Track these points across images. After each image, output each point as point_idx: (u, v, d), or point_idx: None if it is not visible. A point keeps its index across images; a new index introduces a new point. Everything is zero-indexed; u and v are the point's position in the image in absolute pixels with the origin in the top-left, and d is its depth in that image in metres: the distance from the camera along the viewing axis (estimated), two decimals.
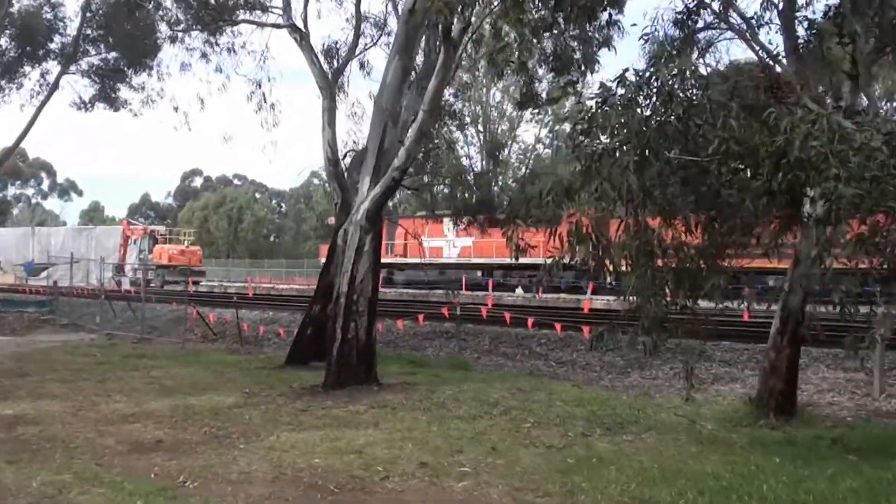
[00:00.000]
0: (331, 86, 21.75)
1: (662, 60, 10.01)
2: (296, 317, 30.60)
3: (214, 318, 29.87)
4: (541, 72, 24.30)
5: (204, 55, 24.54)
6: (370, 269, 16.31)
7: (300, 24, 22.01)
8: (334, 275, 20.36)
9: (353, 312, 16.16)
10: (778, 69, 11.32)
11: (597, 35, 23.09)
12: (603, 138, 8.88)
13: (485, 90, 53.84)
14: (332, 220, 68.73)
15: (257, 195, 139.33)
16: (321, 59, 22.21)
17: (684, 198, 9.44)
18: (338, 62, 22.32)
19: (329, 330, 16.54)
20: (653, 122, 8.47)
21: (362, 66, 23.53)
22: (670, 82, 8.81)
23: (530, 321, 22.28)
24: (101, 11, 33.68)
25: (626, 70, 8.97)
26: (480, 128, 49.60)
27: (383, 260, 59.36)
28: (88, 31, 34.33)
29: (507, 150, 47.79)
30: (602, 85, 9.82)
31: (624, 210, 9.52)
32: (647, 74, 8.92)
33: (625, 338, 12.59)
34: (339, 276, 20.28)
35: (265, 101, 23.52)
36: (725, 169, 8.75)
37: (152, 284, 43.92)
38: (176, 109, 24.64)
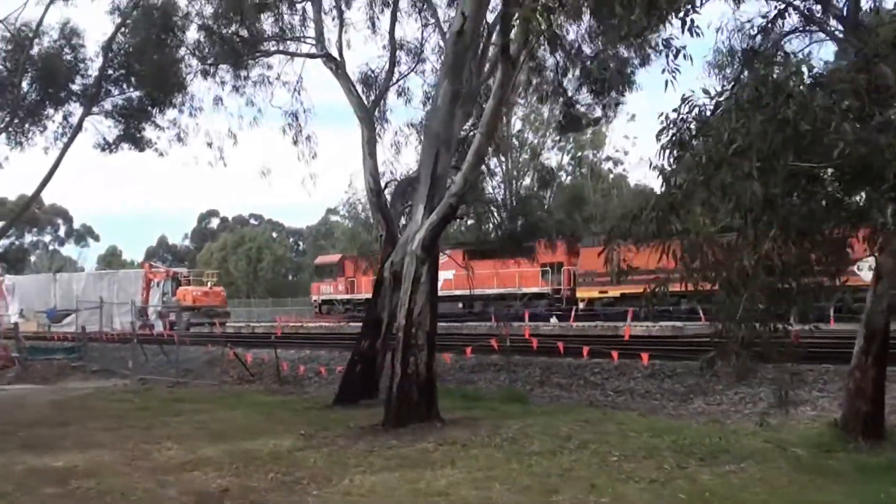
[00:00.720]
0: (370, 115, 21.16)
1: (762, 64, 9.31)
2: (333, 354, 29.96)
3: (251, 358, 29.12)
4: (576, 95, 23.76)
5: (235, 88, 24.00)
6: (427, 300, 15.63)
7: (335, 53, 21.49)
8: (382, 309, 19.83)
9: (412, 346, 15.47)
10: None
11: (634, 54, 22.67)
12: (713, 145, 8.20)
13: (505, 119, 53.49)
14: (322, 259, 68.01)
15: (274, 234, 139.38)
16: (358, 88, 21.63)
17: (802, 207, 8.74)
18: (376, 91, 21.77)
19: (387, 366, 15.92)
20: (772, 126, 7.78)
21: (400, 93, 22.98)
22: (788, 83, 8.16)
23: (586, 350, 21.55)
24: (122, 51, 33.26)
25: (741, 74, 8.34)
26: (502, 157, 49.21)
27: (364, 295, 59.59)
28: (110, 72, 33.91)
29: (529, 178, 47.52)
30: (683, 98, 9.22)
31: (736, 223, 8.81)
32: (763, 74, 8.30)
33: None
34: (386, 309, 19.78)
35: (301, 133, 22.92)
36: (847, 175, 8.11)
37: (176, 328, 43.07)
38: (210, 145, 24.15)
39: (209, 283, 66.77)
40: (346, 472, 11.68)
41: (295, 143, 23.02)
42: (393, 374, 15.68)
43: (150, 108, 33.23)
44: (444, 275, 48.53)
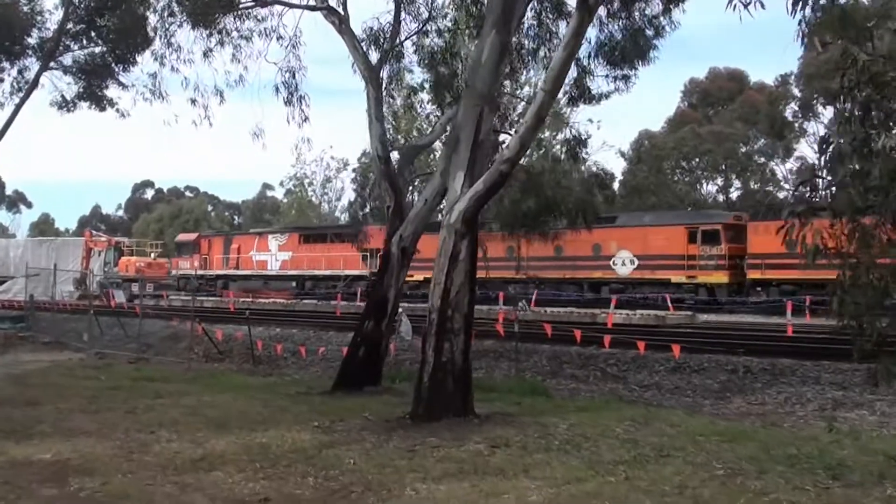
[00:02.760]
0: (376, 74, 19.18)
1: None
2: (308, 334, 28.18)
3: (221, 335, 27.11)
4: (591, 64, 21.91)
5: (220, 43, 21.71)
6: (466, 280, 13.78)
7: (338, 7, 19.45)
8: (388, 287, 18.01)
9: (448, 331, 13.63)
10: None
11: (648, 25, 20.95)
12: None
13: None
14: (182, 237, 67.28)
15: (210, 207, 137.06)
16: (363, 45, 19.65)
17: None
18: (383, 46, 19.74)
19: (419, 352, 14.03)
20: None
21: (416, 50, 20.95)
22: None
23: (607, 339, 19.86)
24: (83, 4, 30.95)
25: None
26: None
27: (221, 271, 59.96)
28: (71, 25, 31.61)
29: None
30: None
31: None
32: None
33: None
34: (393, 288, 17.98)
35: (296, 92, 20.76)
36: None
37: (120, 301, 40.69)
38: (194, 102, 21.72)
39: (152, 254, 64.43)
40: (400, 479, 9.86)
41: (289, 103, 20.80)
42: (424, 361, 13.81)
43: (113, 65, 31.01)
44: (283, 255, 61.54)
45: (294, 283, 59.14)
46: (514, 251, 46.78)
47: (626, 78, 22.21)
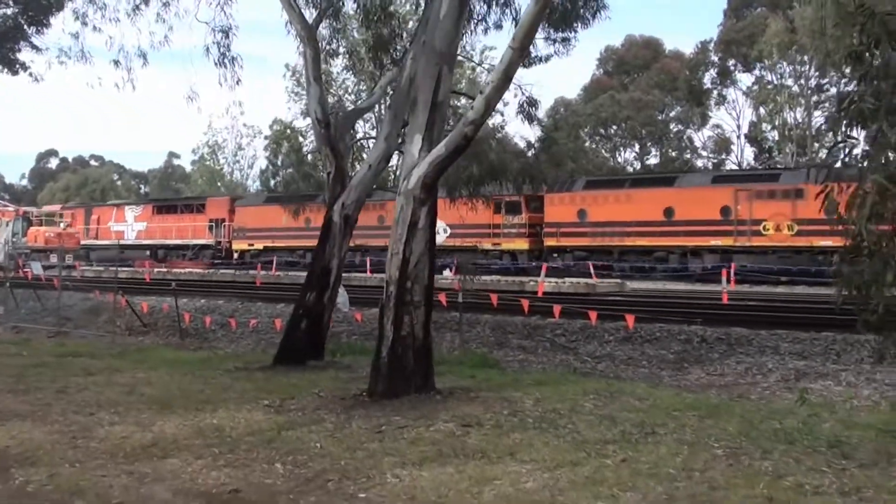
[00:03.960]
0: (313, 32, 18.22)
1: None
2: (235, 305, 27.16)
3: (147, 307, 25.98)
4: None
5: (145, 1, 20.50)
6: (426, 250, 13.01)
7: None
8: (331, 257, 17.19)
9: (408, 304, 12.86)
10: None
11: None
12: None
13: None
14: (46, 208, 68.09)
15: (116, 176, 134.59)
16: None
17: None
18: (320, 3, 18.78)
19: (378, 325, 13.25)
20: None
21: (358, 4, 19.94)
22: None
23: (557, 309, 19.23)
24: None
25: None
26: None
27: (83, 241, 60.87)
28: None
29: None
30: None
31: None
32: None
33: None
34: (336, 257, 17.21)
35: (229, 52, 19.67)
36: None
37: (37, 273, 39.16)
38: (117, 63, 20.48)
39: (62, 225, 62.37)
40: (377, 464, 9.13)
41: (221, 64, 19.70)
42: (382, 335, 13.03)
43: (26, 27, 29.39)
44: (139, 226, 65.16)
45: (148, 252, 62.16)
46: None
47: (566, 41, 21.60)
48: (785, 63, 60.95)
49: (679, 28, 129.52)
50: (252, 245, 57.84)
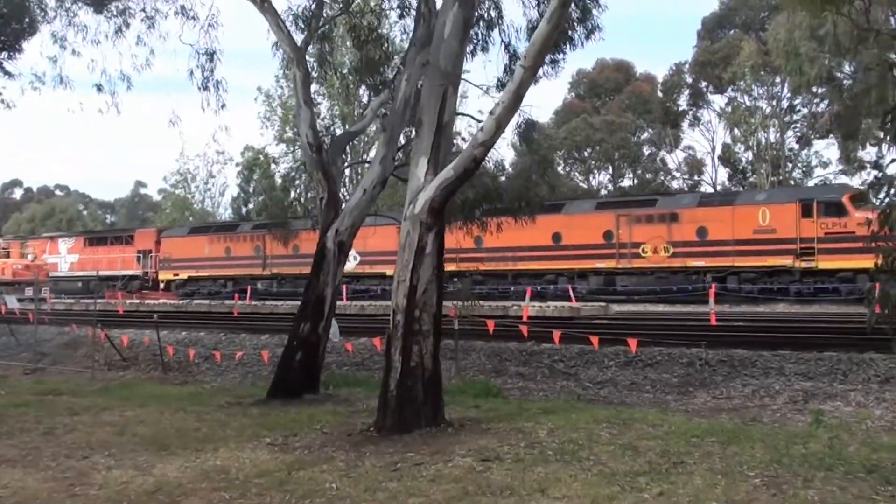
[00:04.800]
0: (302, 54, 17.78)
1: None
2: (219, 337, 26.50)
3: (127, 341, 25.29)
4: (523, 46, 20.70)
5: (126, 25, 19.94)
6: (434, 276, 12.53)
7: None
8: (325, 285, 16.66)
9: (416, 333, 12.35)
10: None
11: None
12: None
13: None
14: None
15: (81, 206, 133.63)
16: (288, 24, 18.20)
17: None
18: (310, 24, 18.31)
19: (385, 356, 12.75)
20: None
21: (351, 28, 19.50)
22: None
23: (557, 335, 18.76)
24: None
25: None
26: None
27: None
28: None
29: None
30: None
31: None
32: None
33: None
34: (330, 286, 16.70)
35: (213, 76, 19.13)
36: None
37: (12, 306, 38.34)
38: (100, 88, 19.91)
39: (30, 256, 61.45)
40: None
41: (204, 88, 19.16)
42: (389, 366, 12.50)
43: None
44: (71, 258, 65.99)
45: (80, 284, 62.35)
46: (261, 250, 54.03)
47: (554, 62, 21.18)
48: (758, 84, 61.13)
49: (648, 52, 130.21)
50: (177, 275, 59.17)
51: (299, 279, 48.15)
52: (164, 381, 21.27)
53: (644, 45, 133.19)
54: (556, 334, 18.63)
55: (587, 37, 19.00)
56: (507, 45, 20.18)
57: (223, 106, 19.45)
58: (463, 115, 14.87)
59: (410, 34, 18.53)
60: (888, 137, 8.34)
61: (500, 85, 20.12)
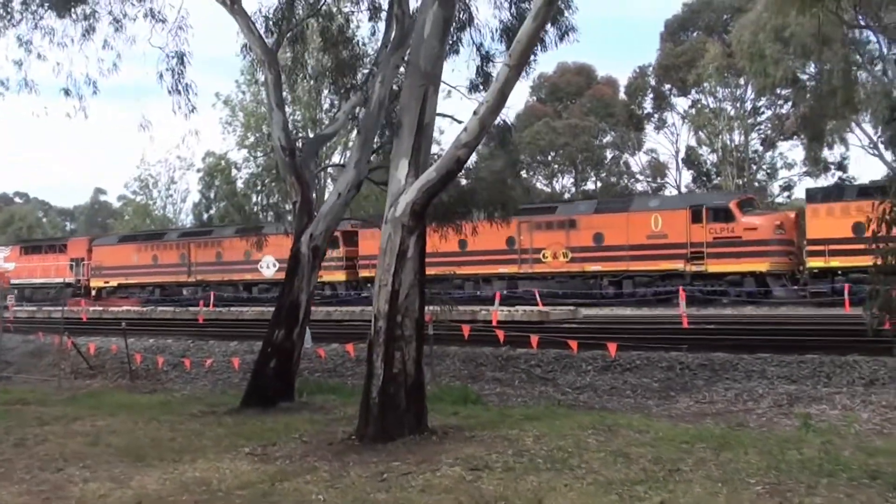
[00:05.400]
0: (274, 56, 17.47)
1: None
2: (186, 344, 26.06)
3: (94, 349, 24.79)
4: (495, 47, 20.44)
5: (90, 29, 19.46)
6: (416, 281, 12.26)
7: None
8: (299, 291, 16.35)
9: (398, 338, 12.07)
10: None
11: None
12: None
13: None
14: None
15: (40, 213, 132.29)
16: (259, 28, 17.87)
17: None
18: (280, 26, 17.97)
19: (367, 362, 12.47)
20: None
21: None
22: None
23: (534, 339, 18.50)
24: None
25: None
26: None
27: None
28: None
29: None
30: None
31: None
32: None
33: None
34: (304, 291, 16.38)
35: (182, 80, 18.70)
36: None
37: None
38: (67, 93, 19.42)
39: None
40: None
41: (175, 91, 18.74)
42: (371, 373, 12.22)
43: None
44: (8, 266, 66.58)
45: (14, 291, 62.13)
46: (186, 258, 55.64)
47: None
48: (722, 86, 61.33)
49: (608, 55, 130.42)
50: (108, 282, 60.21)
51: (223, 285, 53.08)
52: (132, 390, 20.84)
53: (604, 48, 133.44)
54: (534, 339, 18.37)
55: (561, 38, 18.66)
56: (479, 47, 19.90)
57: (193, 109, 19.03)
58: (443, 115, 14.51)
59: (382, 36, 18.31)
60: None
61: (472, 87, 19.86)
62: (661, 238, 40.46)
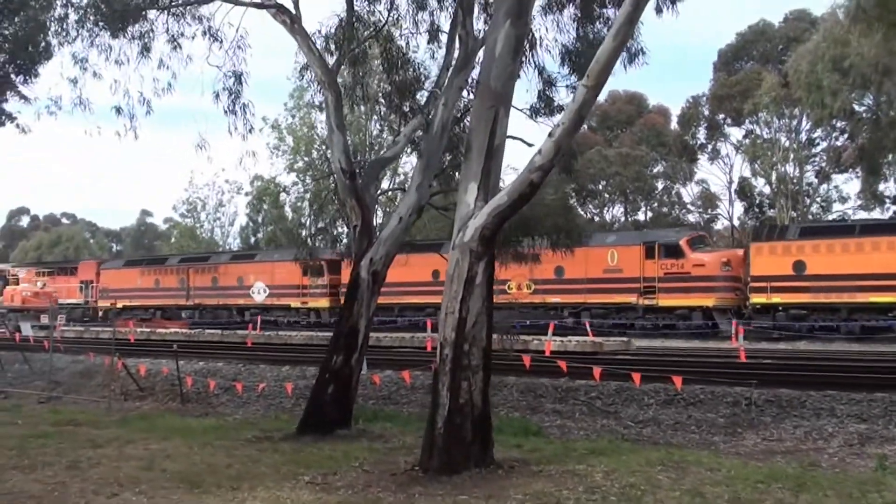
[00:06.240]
0: (333, 78, 17.20)
1: None
2: (239, 367, 25.76)
3: (144, 370, 24.60)
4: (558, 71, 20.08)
5: (146, 48, 19.32)
6: (484, 308, 11.90)
7: (289, 4, 17.38)
8: (358, 317, 16.02)
9: (465, 368, 11.68)
10: None
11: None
12: None
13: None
14: None
15: (87, 234, 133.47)
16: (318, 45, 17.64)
17: None
18: (342, 47, 17.71)
19: (432, 392, 12.11)
20: None
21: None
22: None
23: (597, 371, 18.03)
24: None
25: None
26: None
27: None
28: None
29: None
30: None
31: None
32: None
33: None
34: (363, 317, 16.06)
35: (238, 100, 18.55)
36: None
37: (26, 333, 37.93)
38: (119, 111, 19.27)
39: (39, 283, 60.91)
40: None
41: (231, 112, 18.59)
42: (437, 403, 11.83)
43: (14, 75, 28.15)
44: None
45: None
46: (185, 283, 57.82)
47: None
48: (776, 117, 60.56)
49: (658, 84, 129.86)
50: (114, 304, 61.84)
51: (218, 309, 56.11)
52: (183, 413, 20.54)
53: (654, 77, 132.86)
54: (597, 370, 17.90)
55: (630, 61, 18.25)
56: (542, 71, 19.59)
57: (251, 130, 18.87)
58: (513, 138, 14.16)
59: (442, 59, 18.04)
60: None
61: (533, 111, 19.49)
62: (616, 272, 42.41)
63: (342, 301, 47.81)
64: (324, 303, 51.80)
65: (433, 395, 12.05)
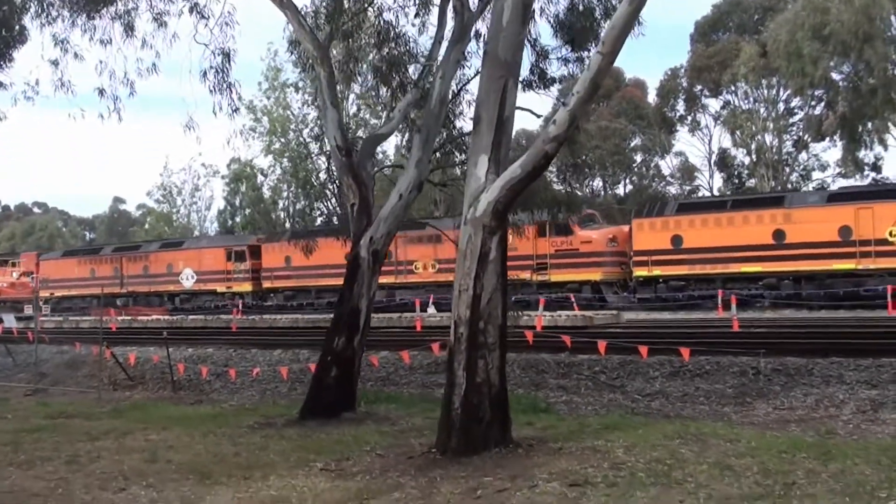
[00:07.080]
0: (326, 52, 16.77)
1: None
2: (230, 353, 25.29)
3: (134, 359, 24.13)
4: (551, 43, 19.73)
5: (130, 27, 18.81)
6: (498, 285, 11.54)
7: None
8: (359, 297, 15.63)
9: (481, 346, 11.36)
10: None
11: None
12: None
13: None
14: None
15: (60, 223, 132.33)
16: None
17: None
18: (333, 20, 17.22)
19: (447, 371, 11.75)
20: None
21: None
22: None
23: (602, 346, 17.66)
24: None
25: None
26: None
27: None
28: None
29: None
30: None
31: None
32: None
33: None
34: (365, 297, 15.67)
35: (227, 78, 18.03)
36: None
37: (9, 325, 37.03)
38: (101, 93, 18.74)
39: (15, 274, 60.13)
40: None
41: (218, 91, 18.06)
42: (453, 382, 11.49)
43: None
44: None
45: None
46: (119, 271, 59.42)
47: (580, 60, 20.13)
48: (754, 87, 60.38)
49: (633, 57, 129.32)
50: (53, 294, 62.73)
51: (150, 296, 57.63)
52: (177, 401, 20.10)
53: (630, 50, 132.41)
54: (602, 344, 17.56)
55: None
56: (534, 43, 19.21)
57: (236, 110, 18.38)
58: (522, 109, 13.78)
59: (435, 31, 17.63)
60: None
61: (525, 84, 19.07)
62: (512, 251, 41.59)
63: (262, 285, 51.60)
64: (247, 287, 53.59)
65: (448, 375, 11.70)
